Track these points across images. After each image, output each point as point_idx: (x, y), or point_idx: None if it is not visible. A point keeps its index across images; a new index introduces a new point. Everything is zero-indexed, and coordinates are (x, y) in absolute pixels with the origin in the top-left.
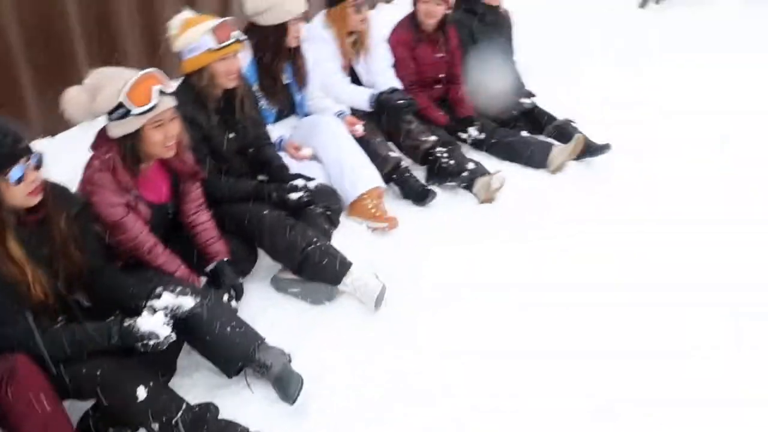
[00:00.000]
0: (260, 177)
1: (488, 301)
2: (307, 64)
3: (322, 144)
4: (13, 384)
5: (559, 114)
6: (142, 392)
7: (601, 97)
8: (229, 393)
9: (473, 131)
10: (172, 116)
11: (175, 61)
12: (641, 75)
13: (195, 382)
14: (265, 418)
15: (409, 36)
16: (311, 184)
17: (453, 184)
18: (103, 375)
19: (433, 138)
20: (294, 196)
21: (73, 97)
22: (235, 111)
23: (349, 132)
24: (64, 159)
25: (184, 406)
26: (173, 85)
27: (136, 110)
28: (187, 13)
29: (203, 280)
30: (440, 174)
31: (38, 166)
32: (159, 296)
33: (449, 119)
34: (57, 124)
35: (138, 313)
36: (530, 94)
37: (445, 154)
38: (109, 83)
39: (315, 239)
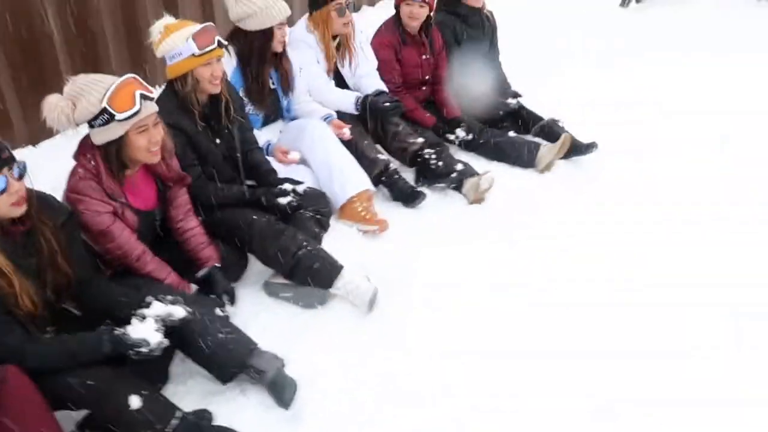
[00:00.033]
0: (248, 182)
1: (481, 301)
2: (292, 68)
3: (309, 148)
4: (3, 395)
5: (544, 114)
6: (135, 401)
7: (586, 96)
8: (224, 399)
9: (461, 132)
10: (155, 121)
11: (159, 68)
12: (629, 75)
13: (189, 390)
14: (260, 424)
15: (393, 38)
16: (300, 188)
17: (442, 185)
18: (96, 384)
19: (420, 140)
20: (283, 200)
21: (54, 105)
22: (221, 116)
23: (337, 135)
24: (47, 168)
25: (178, 413)
26: (154, 90)
27: (119, 116)
28: (168, 19)
29: (194, 287)
30: (429, 175)
31: (21, 176)
32: (149, 305)
33: (436, 120)
34: (39, 133)
35: (128, 322)
36: (516, 95)
37: (434, 156)
38: (90, 90)
39: (305, 243)
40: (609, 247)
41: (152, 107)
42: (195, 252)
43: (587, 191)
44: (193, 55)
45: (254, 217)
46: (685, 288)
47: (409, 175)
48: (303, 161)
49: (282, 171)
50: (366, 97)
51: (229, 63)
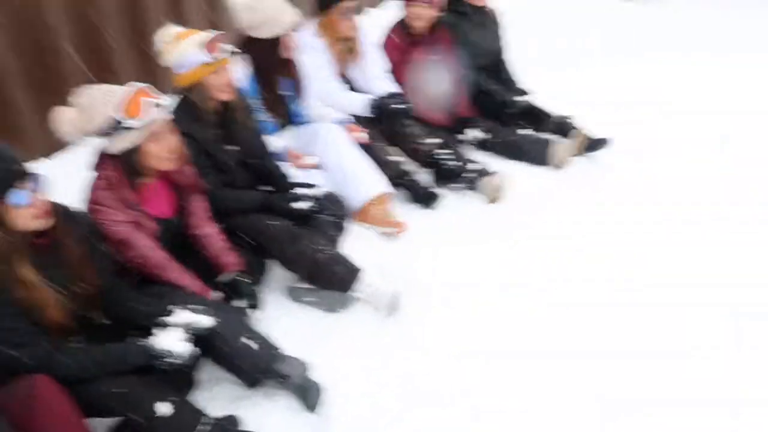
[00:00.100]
0: (264, 188)
1: (499, 300)
2: (303, 74)
3: (323, 151)
4: (34, 404)
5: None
6: (163, 408)
7: (585, 96)
8: (251, 404)
9: (474, 131)
10: (168, 128)
11: (168, 77)
12: (629, 74)
13: (216, 395)
14: (286, 428)
15: (401, 40)
16: (315, 192)
17: (458, 185)
18: (125, 393)
19: (434, 140)
20: (299, 205)
21: (65, 117)
22: (233, 123)
23: (354, 139)
24: (64, 180)
25: (206, 419)
26: (165, 98)
27: (132, 124)
28: (174, 27)
29: (216, 294)
30: (444, 176)
31: (41, 189)
32: (174, 313)
33: (449, 120)
34: (55, 145)
35: (153, 331)
36: (524, 92)
37: (448, 156)
38: (102, 100)
39: (323, 247)
40: (619, 247)
41: (164, 115)
42: (216, 258)
43: (603, 189)
44: (203, 63)
45: (271, 222)
46: (685, 288)
47: (425, 176)
48: (318, 165)
49: (297, 176)
50: (378, 99)
51: (240, 71)
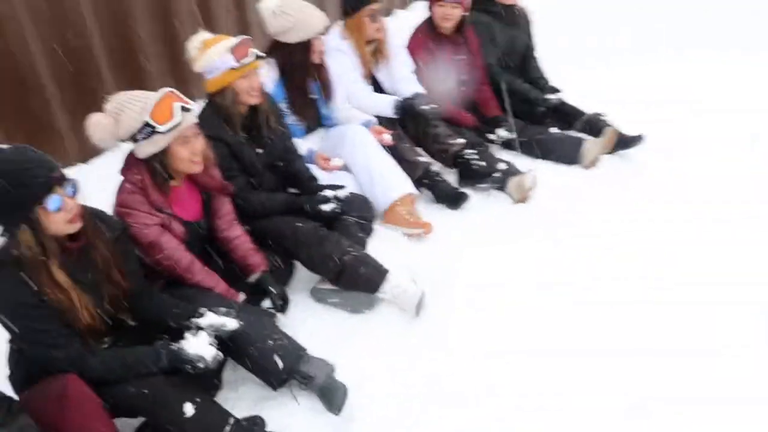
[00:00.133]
0: (291, 190)
1: (524, 300)
2: (331, 77)
3: (350, 153)
4: (66, 404)
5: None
6: (190, 408)
7: (616, 95)
8: (276, 405)
9: (502, 131)
10: (195, 132)
11: (199, 82)
12: (659, 72)
13: (241, 396)
14: (311, 429)
15: (428, 40)
16: (342, 194)
17: (485, 185)
18: (152, 393)
19: (461, 140)
20: (326, 207)
21: (97, 122)
22: (262, 127)
23: (378, 141)
24: (98, 184)
25: (232, 420)
26: (193, 102)
27: (161, 128)
28: (204, 34)
29: (242, 295)
30: (472, 176)
31: (75, 193)
32: (202, 315)
33: (476, 120)
34: (90, 150)
35: (181, 333)
36: (555, 90)
37: (475, 156)
38: (131, 106)
39: (350, 248)
40: (649, 245)
41: (192, 118)
42: (243, 259)
43: (633, 187)
44: (231, 68)
45: (298, 224)
46: (715, 286)
47: (451, 176)
48: (345, 167)
49: (324, 178)
50: (404, 100)
51: (269, 75)
